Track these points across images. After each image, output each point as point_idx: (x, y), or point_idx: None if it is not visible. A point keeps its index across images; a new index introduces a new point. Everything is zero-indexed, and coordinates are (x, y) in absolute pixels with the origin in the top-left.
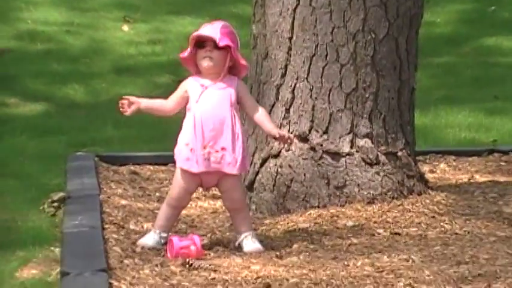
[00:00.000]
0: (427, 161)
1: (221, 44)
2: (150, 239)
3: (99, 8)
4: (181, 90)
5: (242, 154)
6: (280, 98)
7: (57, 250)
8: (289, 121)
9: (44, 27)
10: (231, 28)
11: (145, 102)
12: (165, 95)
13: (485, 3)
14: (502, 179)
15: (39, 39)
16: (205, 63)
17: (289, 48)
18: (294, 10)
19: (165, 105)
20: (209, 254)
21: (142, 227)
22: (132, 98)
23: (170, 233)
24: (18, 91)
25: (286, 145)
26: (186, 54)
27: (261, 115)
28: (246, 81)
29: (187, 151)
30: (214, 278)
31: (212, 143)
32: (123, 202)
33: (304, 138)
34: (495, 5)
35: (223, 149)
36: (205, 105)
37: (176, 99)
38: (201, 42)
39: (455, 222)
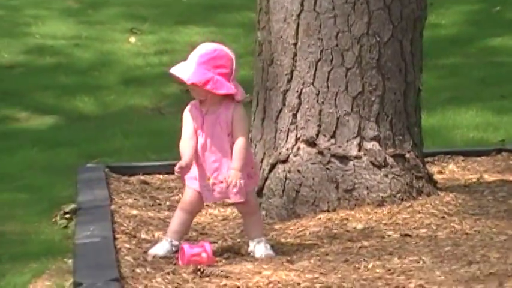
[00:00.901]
0: (436, 162)
1: (188, 82)
2: (161, 248)
3: (106, 21)
4: (188, 123)
5: (246, 180)
6: (287, 103)
7: (70, 261)
8: (297, 126)
9: (52, 42)
10: (214, 53)
11: (190, 159)
12: (173, 105)
13: (490, 3)
14: (511, 178)
15: (48, 53)
16: (193, 94)
17: (295, 54)
18: (298, 16)
19: (193, 145)
20: (220, 261)
21: (153, 235)
22: (186, 163)
23: (181, 241)
24: (28, 105)
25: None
26: None
27: (236, 147)
28: (251, 90)
29: (194, 170)
30: (226, 285)
31: (216, 174)
32: (134, 212)
33: (311, 143)
34: (500, 6)
35: (226, 180)
36: (205, 139)
37: (192, 135)
38: None
39: (465, 222)
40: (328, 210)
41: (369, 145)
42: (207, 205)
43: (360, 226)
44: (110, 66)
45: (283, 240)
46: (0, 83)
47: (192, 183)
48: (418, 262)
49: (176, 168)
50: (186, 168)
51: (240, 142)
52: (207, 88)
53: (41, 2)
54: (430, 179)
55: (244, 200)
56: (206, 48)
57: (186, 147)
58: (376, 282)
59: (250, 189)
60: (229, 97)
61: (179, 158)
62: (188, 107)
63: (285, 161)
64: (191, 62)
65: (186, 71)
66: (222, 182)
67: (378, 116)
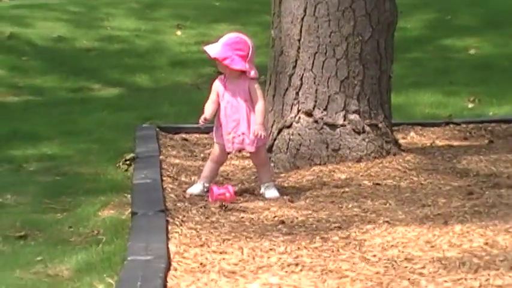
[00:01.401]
0: (400, 130)
1: (212, 56)
2: (196, 188)
3: (159, 18)
4: (214, 91)
5: (254, 135)
6: (292, 84)
7: (128, 196)
8: (298, 101)
9: (119, 32)
10: (237, 39)
11: (210, 115)
12: (207, 82)
13: (443, 13)
14: (456, 143)
15: (116, 41)
16: (219, 68)
17: (298, 47)
18: (302, 19)
19: (214, 107)
20: (240, 199)
21: (190, 179)
22: (206, 118)
23: (211, 184)
24: (100, 79)
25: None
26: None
27: (257, 108)
28: (266, 72)
29: (220, 130)
30: (243, 217)
31: (236, 130)
32: (177, 161)
33: (309, 114)
34: (450, 15)
35: (243, 133)
36: (227, 103)
37: (215, 99)
38: None
39: (421, 176)
40: (320, 164)
41: (351, 116)
42: (230, 157)
43: (343, 176)
44: (161, 52)
45: (286, 185)
46: (80, 62)
47: (219, 139)
48: (385, 204)
49: (200, 120)
50: (206, 121)
51: (260, 104)
52: (225, 63)
53: (111, 2)
54: (396, 143)
55: (255, 150)
56: (232, 35)
57: (208, 107)
58: (354, 218)
59: (262, 145)
60: (245, 74)
61: (212, 122)
62: (216, 81)
63: (289, 127)
64: (219, 43)
65: (213, 49)
66: (239, 136)
67: (359, 95)
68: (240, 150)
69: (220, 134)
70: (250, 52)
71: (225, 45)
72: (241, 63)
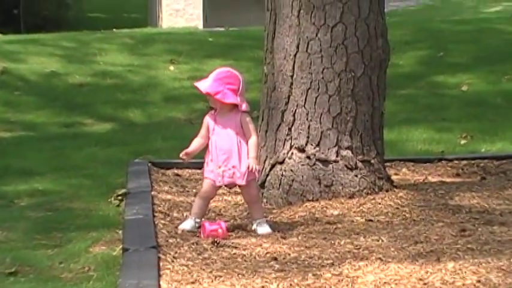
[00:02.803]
0: (393, 166)
1: (204, 91)
2: (188, 224)
3: (152, 53)
4: (204, 126)
5: (248, 169)
6: (284, 120)
7: (120, 232)
8: (291, 137)
9: (112, 68)
10: (227, 73)
11: (192, 150)
12: (200, 117)
13: (435, 50)
14: (448, 180)
15: (109, 76)
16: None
17: (291, 83)
18: (295, 55)
19: (202, 142)
20: (232, 235)
21: (182, 215)
22: (187, 152)
23: (203, 219)
24: (93, 114)
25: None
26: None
27: (250, 142)
28: (259, 108)
29: (210, 165)
30: (235, 253)
31: (226, 163)
32: (169, 197)
33: (302, 150)
34: (443, 52)
35: (234, 166)
36: (218, 136)
37: (204, 134)
38: None
39: (413, 212)
40: (312, 200)
41: (344, 152)
42: (222, 193)
43: (335, 212)
44: (154, 87)
45: (278, 221)
46: (73, 97)
47: (208, 174)
48: (378, 241)
49: (182, 154)
50: (187, 155)
51: (253, 139)
52: (217, 97)
53: (104, 38)
54: (388, 179)
55: (245, 183)
56: (222, 69)
57: (195, 142)
58: (346, 254)
59: (252, 179)
60: (236, 107)
61: (203, 157)
62: (206, 116)
63: (281, 163)
64: (210, 78)
65: (204, 84)
66: (230, 169)
67: (351, 131)
68: (230, 187)
69: (210, 170)
70: (240, 86)
71: (215, 79)
72: (232, 97)
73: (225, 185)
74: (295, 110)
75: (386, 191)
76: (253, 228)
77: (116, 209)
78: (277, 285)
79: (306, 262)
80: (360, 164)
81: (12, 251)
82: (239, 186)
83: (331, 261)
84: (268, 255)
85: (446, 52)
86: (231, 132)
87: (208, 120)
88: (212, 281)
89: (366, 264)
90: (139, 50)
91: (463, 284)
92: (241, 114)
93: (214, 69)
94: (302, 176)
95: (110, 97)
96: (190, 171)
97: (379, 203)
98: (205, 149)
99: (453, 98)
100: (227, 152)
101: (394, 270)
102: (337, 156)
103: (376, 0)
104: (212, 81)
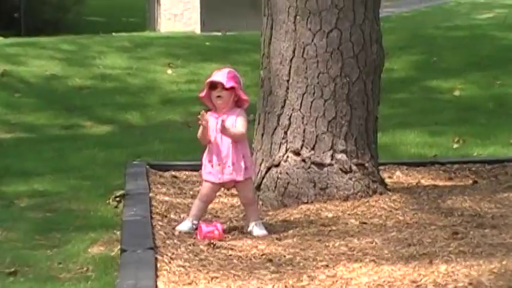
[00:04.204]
0: (386, 169)
1: (227, 86)
2: (185, 226)
3: (150, 57)
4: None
5: (245, 165)
6: (280, 123)
7: (118, 233)
8: (287, 140)
9: (111, 71)
10: (234, 72)
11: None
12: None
13: (429, 55)
14: (441, 183)
15: (108, 79)
16: (218, 101)
17: (287, 88)
18: (291, 60)
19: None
20: (228, 237)
21: (179, 216)
22: (205, 117)
23: (199, 221)
24: (92, 116)
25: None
26: (203, 94)
27: (235, 129)
28: (255, 111)
29: (209, 167)
30: (231, 255)
31: (225, 160)
32: (166, 198)
33: (297, 153)
34: (436, 57)
35: (233, 164)
36: (218, 135)
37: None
38: (213, 85)
39: (407, 215)
40: (307, 202)
41: (339, 156)
42: (219, 195)
43: (330, 215)
44: (152, 90)
45: (274, 223)
46: (73, 100)
47: (207, 177)
48: (372, 243)
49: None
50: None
51: (239, 130)
52: (238, 92)
53: (103, 41)
54: (382, 182)
55: (243, 179)
56: (227, 69)
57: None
58: (340, 256)
59: (249, 178)
60: (235, 107)
61: (200, 159)
62: (207, 114)
63: (277, 165)
64: (222, 75)
65: (222, 79)
66: (229, 167)
67: (346, 135)
68: (228, 188)
69: (209, 171)
70: (242, 84)
71: (229, 78)
72: (244, 95)
73: (224, 184)
74: (291, 114)
75: (380, 194)
76: (249, 230)
77: (114, 210)
78: (273, 286)
79: (301, 264)
80: (354, 167)
81: (11, 251)
82: (236, 187)
83: (326, 262)
84: (263, 256)
85: (439, 57)
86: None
87: (209, 119)
88: (208, 282)
89: (360, 266)
90: (138, 53)
91: (455, 286)
92: (239, 111)
93: (212, 73)
94: (297, 179)
95: (108, 100)
96: (187, 173)
97: (373, 206)
98: (202, 150)
99: (446, 103)
100: (226, 150)
101: (387, 272)
102: (332, 159)
103: (371, 6)
104: (226, 78)
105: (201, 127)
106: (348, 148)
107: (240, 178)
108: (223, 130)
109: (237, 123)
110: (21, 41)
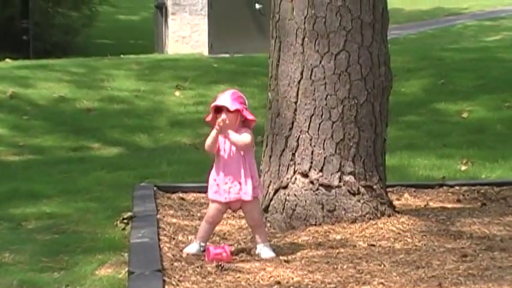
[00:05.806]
0: (395, 191)
1: (232, 109)
2: (193, 248)
3: (158, 79)
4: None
5: (253, 185)
6: (288, 145)
7: (126, 255)
8: (295, 162)
9: (119, 93)
10: (238, 93)
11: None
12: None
13: (436, 78)
14: (449, 205)
15: (116, 101)
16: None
17: (295, 110)
18: (299, 82)
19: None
20: (236, 259)
21: (187, 238)
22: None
23: (207, 243)
24: (100, 138)
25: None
26: (209, 118)
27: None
28: (263, 133)
29: (215, 186)
30: (239, 277)
31: (232, 180)
32: (174, 220)
33: (305, 175)
34: (444, 80)
35: (239, 183)
36: (225, 152)
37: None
38: (218, 109)
39: (415, 237)
40: (315, 225)
41: (347, 178)
42: (227, 217)
43: (338, 237)
44: (160, 112)
45: (282, 245)
46: (81, 122)
47: (213, 196)
48: (380, 266)
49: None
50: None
51: (242, 137)
52: (243, 114)
53: (112, 64)
54: (390, 204)
55: (251, 198)
56: (231, 91)
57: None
58: (348, 279)
59: (256, 198)
60: (241, 127)
61: (207, 181)
62: None
63: (285, 187)
64: (226, 98)
65: (226, 102)
66: (236, 186)
67: (354, 157)
68: (235, 210)
69: (215, 190)
70: (247, 104)
71: (233, 99)
72: (249, 114)
73: (231, 205)
74: (299, 136)
75: (389, 216)
76: (257, 252)
77: (121, 233)
78: None
79: (309, 286)
80: (362, 190)
81: (19, 274)
82: (242, 208)
83: (334, 285)
84: (271, 279)
85: (447, 80)
86: (238, 151)
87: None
88: None
89: None
90: (146, 75)
91: None
92: (247, 130)
93: (218, 94)
94: (305, 201)
95: (117, 122)
96: (195, 195)
97: (381, 228)
98: (209, 172)
99: (454, 125)
100: (233, 168)
101: None
102: (340, 181)
103: (378, 28)
104: (231, 100)
105: (213, 131)
106: (356, 170)
107: (248, 198)
108: (223, 130)
109: (242, 135)
110: (29, 63)
